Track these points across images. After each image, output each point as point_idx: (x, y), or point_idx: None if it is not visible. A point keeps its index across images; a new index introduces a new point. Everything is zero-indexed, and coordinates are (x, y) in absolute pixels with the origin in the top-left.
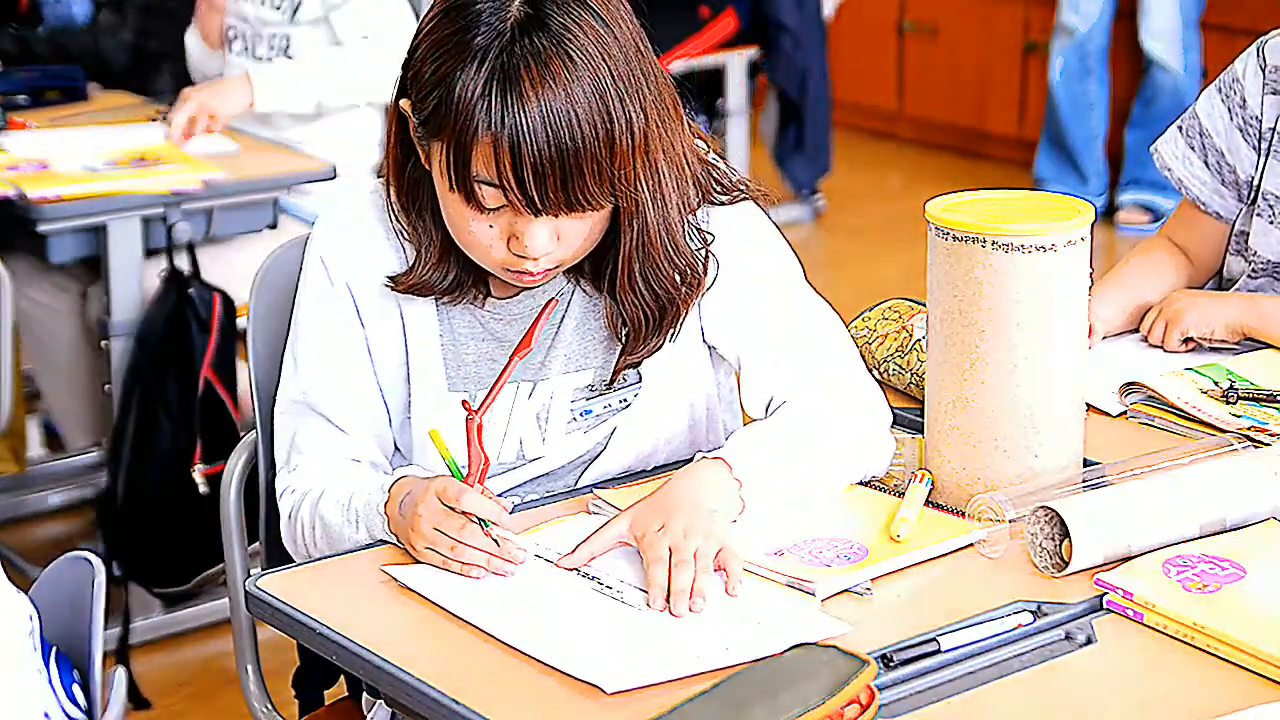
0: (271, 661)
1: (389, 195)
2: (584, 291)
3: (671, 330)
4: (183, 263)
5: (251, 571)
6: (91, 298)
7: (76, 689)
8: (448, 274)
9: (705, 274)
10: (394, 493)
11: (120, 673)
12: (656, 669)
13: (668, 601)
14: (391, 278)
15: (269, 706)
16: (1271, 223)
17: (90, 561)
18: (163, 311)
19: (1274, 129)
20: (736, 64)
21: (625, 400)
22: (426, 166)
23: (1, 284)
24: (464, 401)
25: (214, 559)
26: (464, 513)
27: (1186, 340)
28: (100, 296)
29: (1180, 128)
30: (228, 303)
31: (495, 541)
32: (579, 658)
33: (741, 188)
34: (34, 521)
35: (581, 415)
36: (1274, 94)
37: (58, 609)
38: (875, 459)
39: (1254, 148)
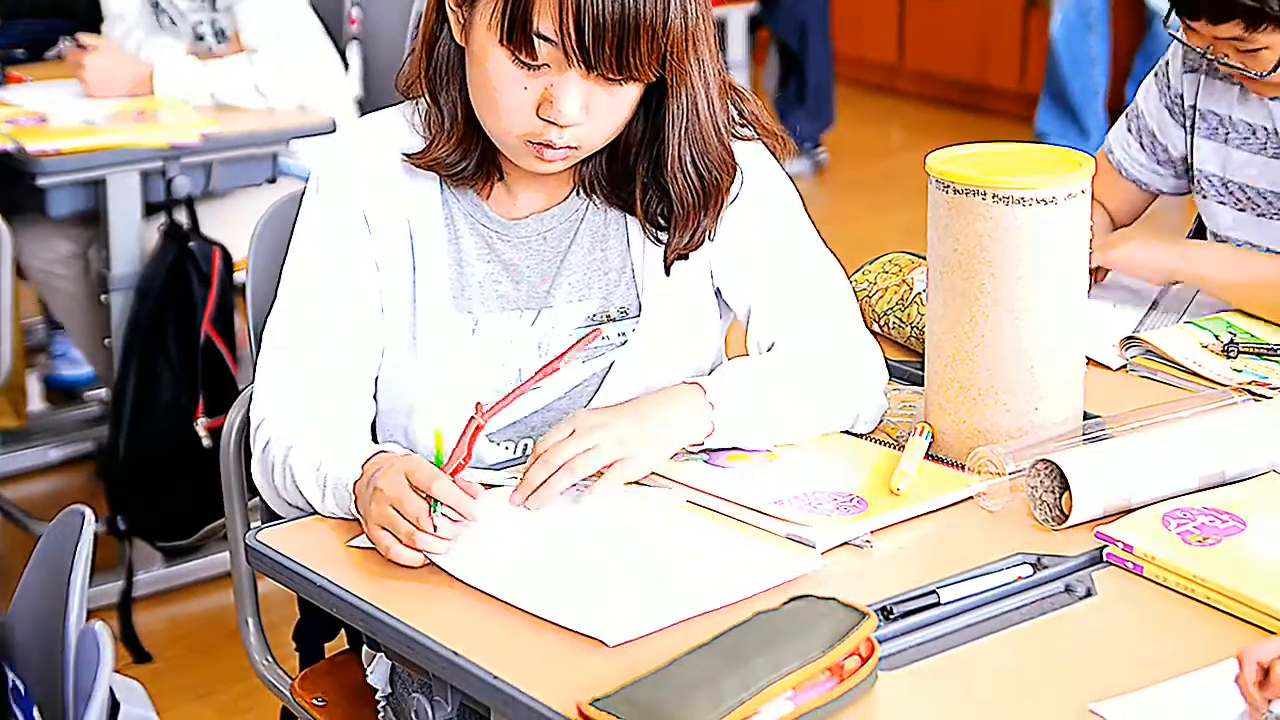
0: (272, 615)
1: (418, 70)
2: (595, 214)
3: (713, 224)
4: (182, 217)
5: (252, 525)
6: (92, 253)
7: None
8: (466, 155)
9: (736, 179)
10: (366, 470)
11: (99, 627)
12: (656, 616)
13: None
14: (407, 155)
15: (270, 659)
16: (1220, 202)
17: (82, 513)
18: (162, 265)
19: (1194, 106)
20: (737, 17)
21: (623, 335)
22: (459, 41)
23: (1, 239)
24: (478, 403)
25: (216, 513)
26: (428, 499)
27: (1094, 270)
28: (100, 251)
29: (1125, 112)
30: (227, 257)
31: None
32: (576, 611)
33: (763, 125)
34: (34, 476)
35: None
36: (1191, 71)
37: (60, 567)
38: (863, 410)
39: (1181, 125)
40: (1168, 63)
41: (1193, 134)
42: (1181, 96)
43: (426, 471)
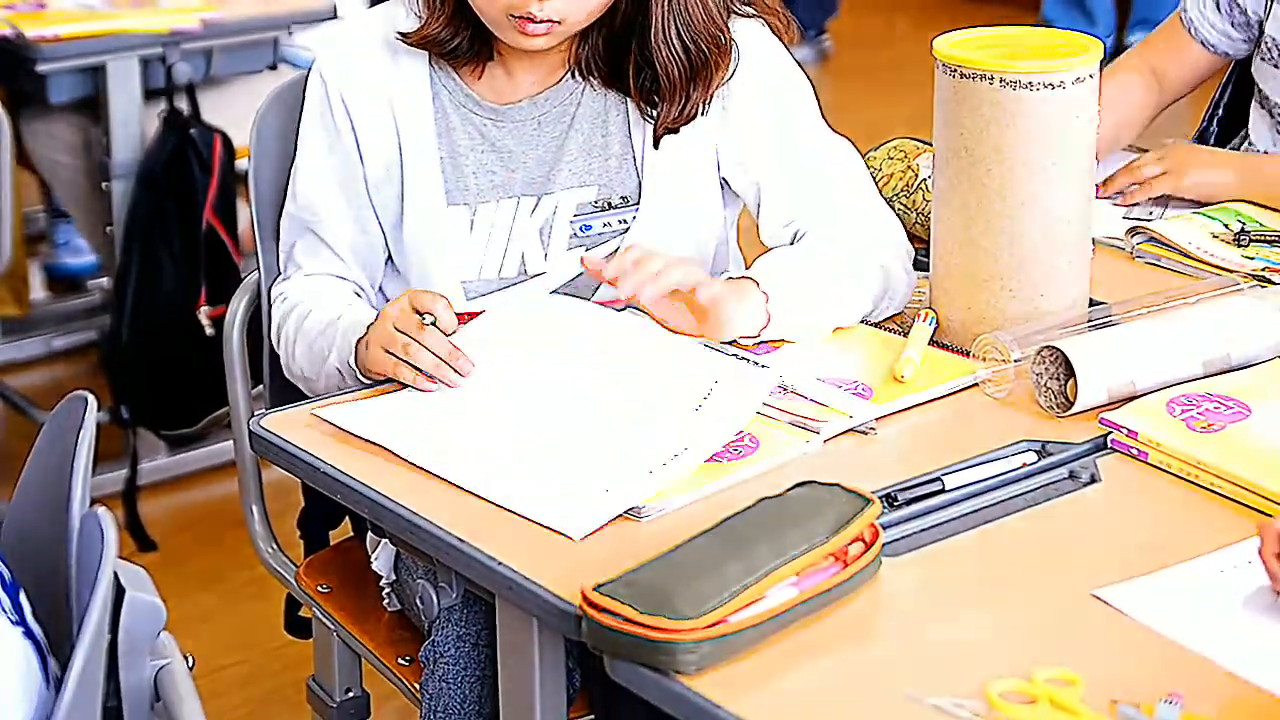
0: (277, 503)
1: None
2: (593, 97)
3: (703, 98)
4: (183, 104)
5: (255, 412)
6: (94, 139)
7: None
8: (458, 33)
9: (731, 55)
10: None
11: (102, 512)
12: (615, 501)
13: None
14: (401, 34)
15: (274, 546)
16: (1276, 65)
17: (85, 400)
18: (163, 153)
19: None
20: None
21: (625, 221)
22: None
23: (1, 127)
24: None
25: (219, 401)
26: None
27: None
28: (100, 138)
29: None
30: (228, 144)
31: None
32: (539, 504)
33: (764, 3)
34: (37, 365)
35: (582, 230)
36: None
37: (63, 454)
38: (898, 292)
39: None
40: None
41: (1273, 2)
42: None
43: (430, 296)
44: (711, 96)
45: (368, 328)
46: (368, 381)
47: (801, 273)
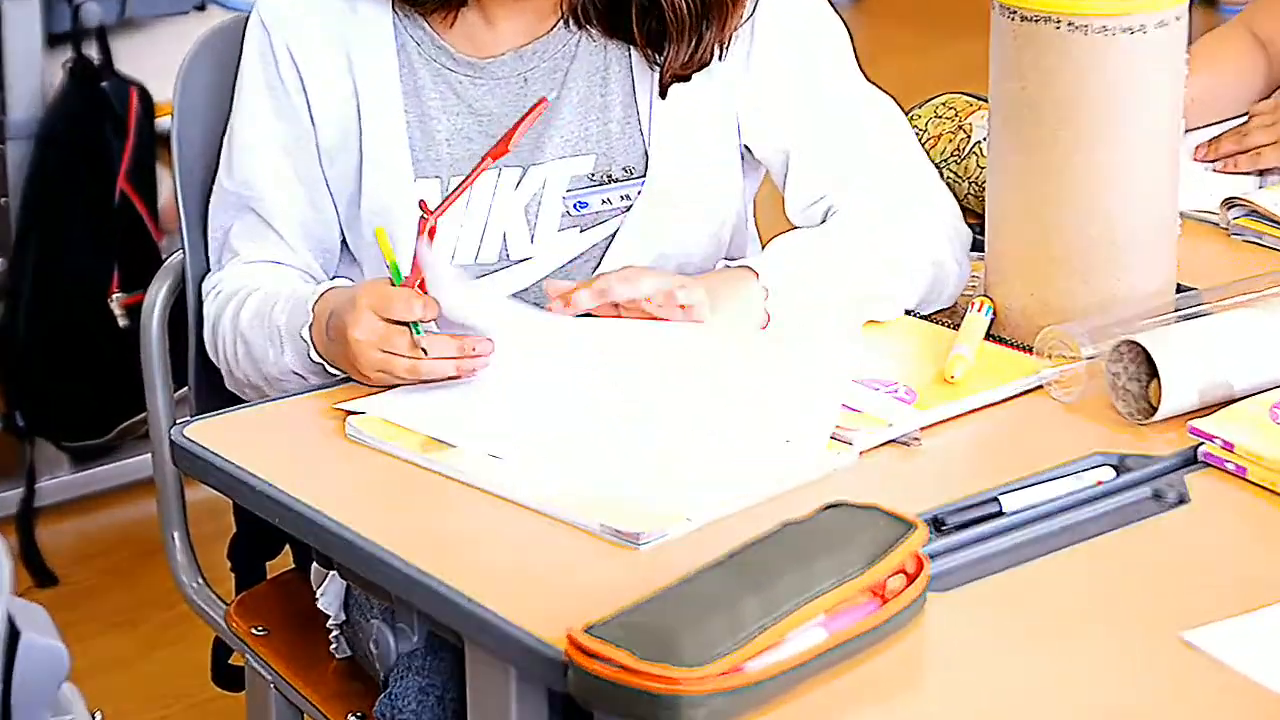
0: (203, 528)
1: None
2: (591, 50)
3: (718, 39)
4: (92, 51)
5: (178, 420)
6: None
7: None
8: None
9: None
10: (318, 313)
11: None
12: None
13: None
14: None
15: (199, 581)
16: None
17: None
18: (69, 109)
19: None
20: None
21: (628, 197)
22: None
23: None
24: (421, 201)
25: (135, 406)
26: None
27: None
28: None
29: None
30: (146, 99)
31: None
32: (651, 490)
33: None
34: None
35: (576, 209)
36: None
37: None
38: (948, 284)
39: None
40: None
41: None
42: None
43: (384, 297)
44: (728, 40)
45: (313, 333)
46: (335, 373)
47: (818, 260)
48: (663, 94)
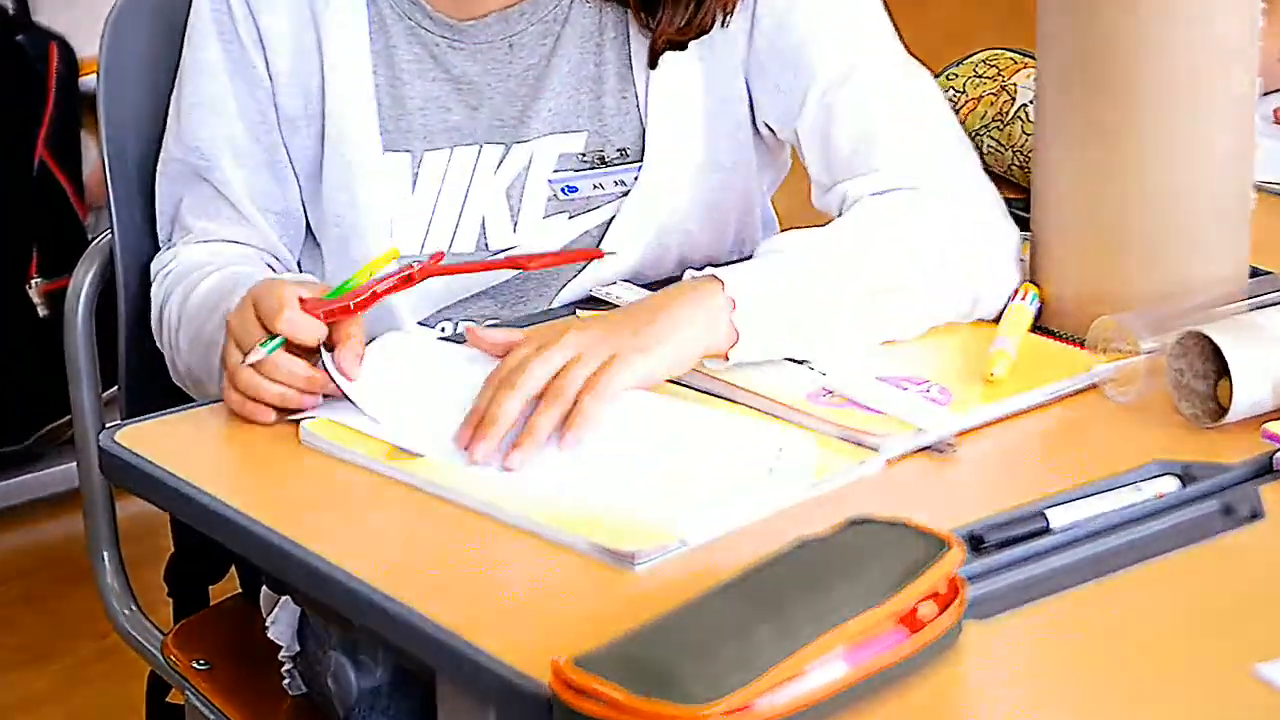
0: (137, 547)
1: None
2: (584, 14)
3: (721, 6)
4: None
5: (107, 423)
6: None
7: None
8: None
9: None
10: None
11: None
12: (737, 501)
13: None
14: None
15: (132, 607)
16: None
17: None
18: None
19: None
20: None
21: (623, 183)
22: None
23: None
24: (438, 253)
25: (58, 409)
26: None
27: None
28: None
29: None
30: (68, 55)
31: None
32: (639, 507)
33: None
34: None
35: (565, 192)
36: None
37: None
38: (985, 293)
39: None
40: None
41: None
42: None
43: (275, 297)
44: (733, 5)
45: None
46: None
47: (809, 267)
48: (652, 63)
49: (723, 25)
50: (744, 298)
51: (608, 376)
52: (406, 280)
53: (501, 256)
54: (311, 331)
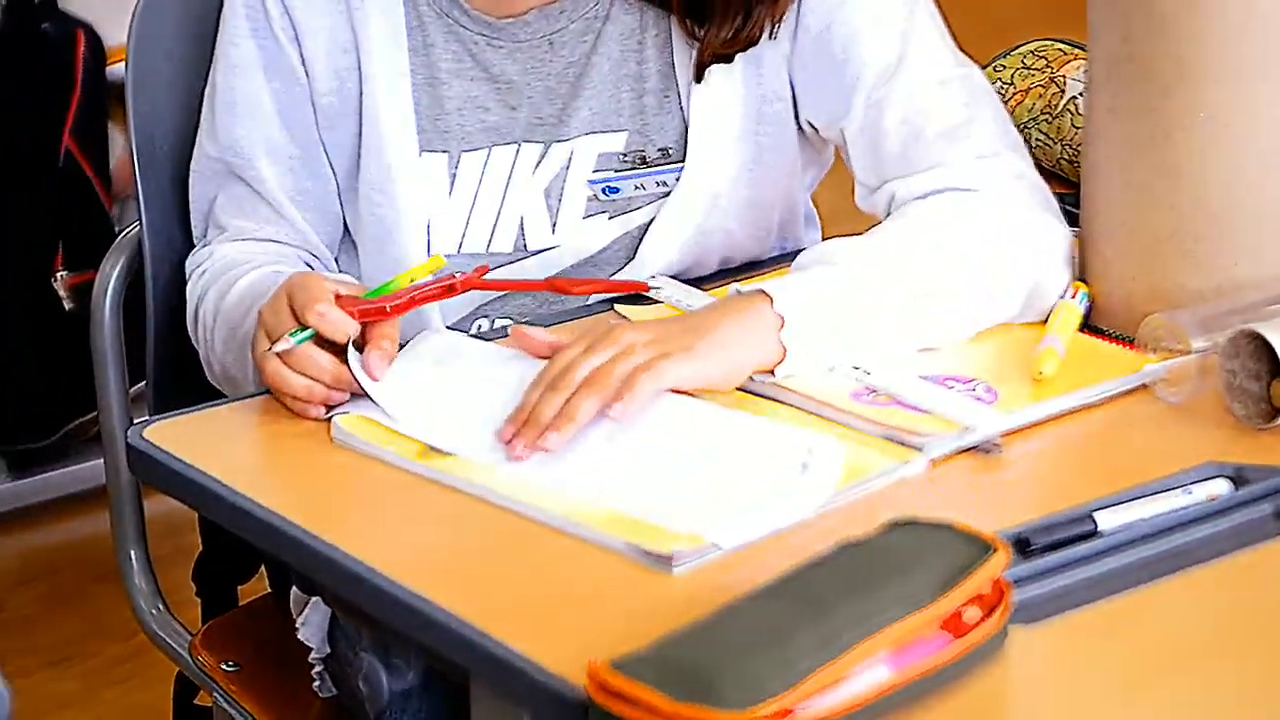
0: (165, 546)
1: None
2: (625, 12)
3: (771, 15)
4: None
5: (135, 420)
6: None
7: None
8: None
9: None
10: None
11: None
12: (774, 505)
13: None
14: None
15: (160, 607)
16: None
17: None
18: (3, 54)
19: None
20: None
21: (664, 183)
22: None
23: None
24: (483, 266)
25: (84, 404)
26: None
27: None
28: None
29: None
30: (95, 43)
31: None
32: (666, 512)
33: None
34: None
35: (606, 194)
36: None
37: None
38: (1036, 295)
39: None
40: None
41: None
42: None
43: (308, 291)
44: (781, 15)
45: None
46: None
47: (857, 278)
48: (698, 76)
49: (771, 36)
50: (792, 314)
51: (662, 364)
52: (448, 290)
53: (543, 278)
54: (342, 327)
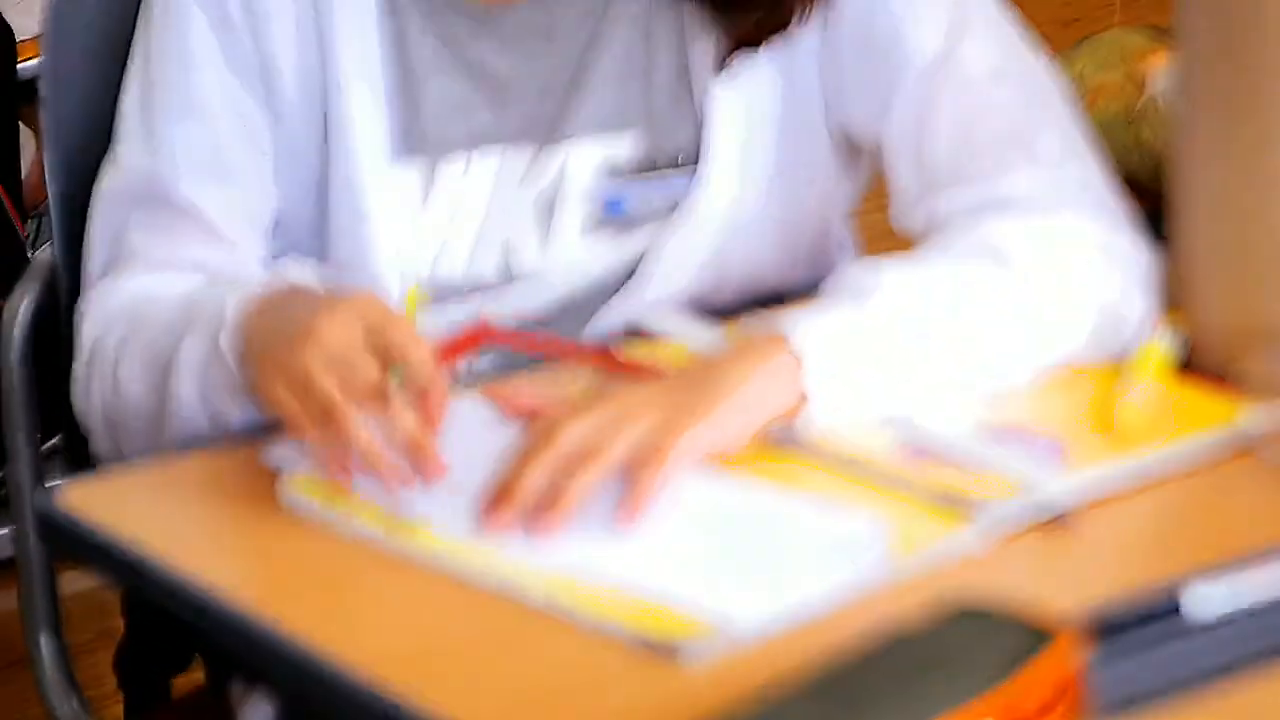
0: (83, 630)
1: None
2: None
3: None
4: None
5: (48, 480)
6: None
7: None
8: None
9: None
10: (259, 307)
11: None
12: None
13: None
14: None
15: (76, 703)
16: None
17: None
18: None
19: None
20: None
21: (676, 194)
22: None
23: None
24: (484, 320)
25: None
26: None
27: None
28: None
29: None
30: (7, 38)
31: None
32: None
33: None
34: None
35: (608, 208)
36: None
37: None
38: (1110, 330)
39: None
40: None
41: None
42: None
43: (393, 321)
44: (813, 3)
45: (283, 313)
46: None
47: (889, 310)
48: (721, 66)
49: (801, 20)
50: (813, 353)
51: (670, 440)
52: (471, 340)
53: (589, 345)
54: (426, 356)
